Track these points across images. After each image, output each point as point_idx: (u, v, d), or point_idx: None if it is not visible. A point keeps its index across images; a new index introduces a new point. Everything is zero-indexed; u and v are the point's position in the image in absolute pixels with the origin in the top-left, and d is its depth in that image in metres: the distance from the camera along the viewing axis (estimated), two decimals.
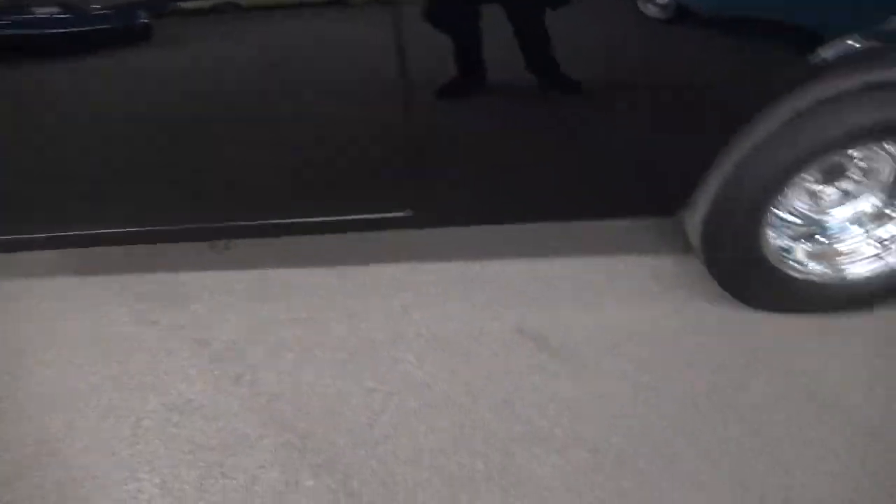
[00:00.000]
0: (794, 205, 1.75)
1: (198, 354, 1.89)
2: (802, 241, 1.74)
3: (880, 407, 1.65)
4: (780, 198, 1.60)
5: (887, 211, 1.73)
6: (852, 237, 1.75)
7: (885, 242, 1.73)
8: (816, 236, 1.75)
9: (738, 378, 1.73)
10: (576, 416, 1.68)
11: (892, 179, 1.70)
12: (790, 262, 1.71)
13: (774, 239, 1.67)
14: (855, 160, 1.68)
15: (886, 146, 1.62)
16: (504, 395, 1.73)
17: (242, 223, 1.81)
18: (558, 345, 1.84)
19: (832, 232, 1.75)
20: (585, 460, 1.60)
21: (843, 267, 1.73)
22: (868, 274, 1.71)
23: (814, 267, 1.72)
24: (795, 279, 1.70)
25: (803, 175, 1.68)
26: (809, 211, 1.75)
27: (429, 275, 2.03)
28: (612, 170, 1.63)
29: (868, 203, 1.74)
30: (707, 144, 1.52)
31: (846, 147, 1.51)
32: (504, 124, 1.56)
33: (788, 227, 1.75)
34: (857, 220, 1.76)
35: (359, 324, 1.92)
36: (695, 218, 1.66)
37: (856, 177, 1.70)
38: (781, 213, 1.74)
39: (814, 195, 1.74)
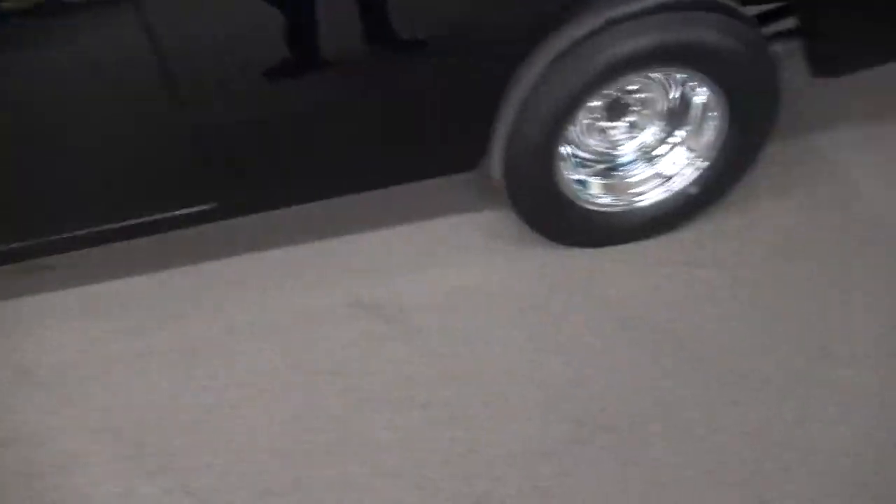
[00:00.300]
0: (587, 143, 1.83)
1: (20, 384, 1.80)
2: (598, 176, 1.84)
3: (685, 321, 1.77)
4: (566, 135, 1.67)
5: (668, 139, 1.84)
6: (640, 168, 1.85)
7: (669, 170, 1.84)
8: (611, 171, 1.86)
9: (558, 316, 1.82)
10: (409, 376, 1.73)
11: (666, 108, 1.82)
12: (586, 197, 1.80)
13: (569, 175, 1.76)
14: (633, 94, 1.79)
15: (653, 76, 1.74)
16: (338, 367, 1.75)
17: (51, 238, 1.74)
18: (393, 312, 1.87)
19: (623, 165, 1.86)
20: (418, 418, 1.65)
21: (634, 197, 1.84)
22: (658, 200, 1.83)
23: (608, 199, 1.82)
24: (593, 212, 1.80)
25: (591, 114, 1.78)
26: (601, 147, 1.85)
27: (252, 264, 2.00)
28: (408, 132, 1.66)
29: (650, 134, 1.85)
30: (486, 92, 1.57)
31: (610, 81, 1.59)
32: (294, 102, 1.55)
33: (584, 166, 1.84)
34: (643, 151, 1.87)
35: (188, 325, 1.89)
36: (494, 164, 1.73)
37: (636, 109, 1.81)
38: (577, 152, 1.82)
39: (603, 132, 1.84)
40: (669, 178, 1.83)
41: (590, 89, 1.57)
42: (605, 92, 1.70)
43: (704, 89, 1.69)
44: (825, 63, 1.70)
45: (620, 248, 1.94)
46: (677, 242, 1.96)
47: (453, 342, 1.79)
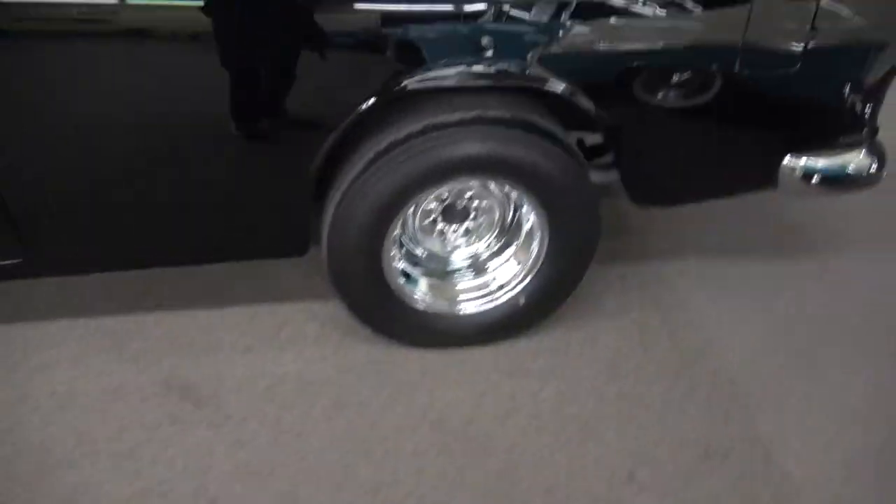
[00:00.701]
0: (423, 242, 1.86)
1: None
2: (427, 276, 1.85)
3: (501, 433, 1.74)
4: (394, 231, 1.68)
5: (501, 253, 1.87)
6: (469, 276, 1.88)
7: (497, 281, 1.86)
8: (441, 272, 1.87)
9: (376, 415, 1.77)
10: (203, 467, 1.63)
11: (501, 221, 1.86)
12: (412, 294, 1.80)
13: (396, 266, 1.76)
14: (472, 202, 1.83)
15: (491, 189, 1.79)
16: (130, 451, 1.64)
17: None
18: (208, 395, 1.79)
19: (455, 270, 1.88)
20: None
21: (460, 303, 1.85)
22: (485, 309, 1.84)
23: (434, 301, 1.83)
24: (419, 312, 1.80)
25: (429, 216, 1.82)
26: (436, 248, 1.87)
27: (76, 329, 1.91)
28: (226, 212, 1.64)
29: (484, 244, 1.89)
30: (299, 183, 1.57)
31: (430, 185, 1.61)
32: (110, 168, 1.52)
33: (416, 263, 1.86)
34: (475, 260, 1.90)
35: None
36: (321, 255, 1.72)
37: (474, 217, 1.85)
38: (411, 248, 1.85)
39: (442, 234, 1.87)
40: (498, 288, 1.85)
41: (410, 192, 1.60)
42: (439, 195, 1.74)
43: (531, 207, 1.75)
44: (640, 195, 1.80)
45: (454, 351, 1.95)
46: (513, 352, 1.97)
47: (261, 434, 1.71)
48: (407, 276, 1.83)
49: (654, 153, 1.70)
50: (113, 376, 1.81)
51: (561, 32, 1.50)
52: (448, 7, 1.45)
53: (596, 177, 1.90)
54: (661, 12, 1.51)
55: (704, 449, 1.77)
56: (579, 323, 2.07)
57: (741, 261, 2.35)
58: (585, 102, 1.58)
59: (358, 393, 1.83)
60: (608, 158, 1.81)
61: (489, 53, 1.49)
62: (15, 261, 1.59)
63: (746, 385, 1.93)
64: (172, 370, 1.85)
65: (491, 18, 1.47)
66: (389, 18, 1.45)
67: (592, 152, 1.99)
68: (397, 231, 1.73)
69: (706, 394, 1.91)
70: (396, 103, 1.52)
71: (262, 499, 1.58)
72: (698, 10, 1.53)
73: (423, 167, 1.55)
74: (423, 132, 1.52)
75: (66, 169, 1.50)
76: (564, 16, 1.49)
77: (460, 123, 1.53)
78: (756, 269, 2.31)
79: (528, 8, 1.48)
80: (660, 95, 1.62)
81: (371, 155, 1.55)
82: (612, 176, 1.81)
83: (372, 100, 1.49)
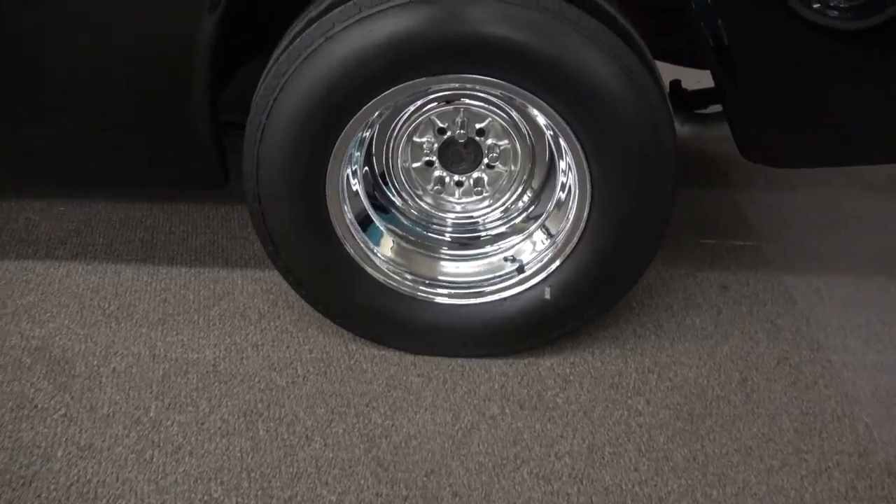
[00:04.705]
0: (412, 191, 1.28)
1: None
2: (399, 237, 1.26)
3: (490, 492, 1.09)
4: (342, 163, 1.13)
5: (519, 219, 1.26)
6: (474, 250, 1.26)
7: (514, 259, 1.24)
8: (421, 232, 1.28)
9: (298, 437, 1.16)
10: (28, 476, 1.12)
11: (527, 171, 1.23)
12: (374, 257, 1.20)
13: (349, 211, 1.19)
14: (490, 142, 1.21)
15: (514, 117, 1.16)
16: None
17: None
18: (82, 374, 1.28)
19: (444, 235, 1.28)
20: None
21: (451, 286, 1.22)
22: (490, 301, 1.21)
23: (409, 275, 1.22)
24: (383, 287, 1.19)
25: (423, 155, 1.24)
26: (424, 205, 1.28)
27: None
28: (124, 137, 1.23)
29: (499, 209, 1.27)
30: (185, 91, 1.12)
31: (385, 88, 1.05)
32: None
33: (384, 211, 1.27)
34: (483, 227, 1.28)
35: None
36: (248, 188, 1.17)
37: (489, 162, 1.22)
38: (393, 197, 1.28)
39: (441, 184, 1.25)
40: (515, 270, 1.22)
41: (350, 90, 1.05)
42: (430, 120, 1.18)
43: (564, 140, 1.10)
44: (759, 147, 1.17)
45: (445, 362, 1.31)
46: (533, 373, 1.31)
47: (124, 440, 1.15)
48: (365, 224, 1.24)
49: (791, 89, 1.06)
50: None
51: None
52: None
53: (688, 129, 1.28)
54: None
55: None
56: (646, 345, 1.39)
57: None
58: None
59: (285, 402, 1.25)
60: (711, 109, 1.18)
61: None
62: None
63: None
64: (54, 334, 1.35)
65: None
66: None
67: (693, 101, 1.37)
68: (356, 164, 1.18)
69: (851, 483, 1.17)
70: None
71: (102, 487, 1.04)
72: None
73: (361, 47, 0.97)
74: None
75: None
76: None
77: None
78: None
79: None
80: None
81: (289, 38, 1.02)
82: (715, 131, 1.19)
83: None
